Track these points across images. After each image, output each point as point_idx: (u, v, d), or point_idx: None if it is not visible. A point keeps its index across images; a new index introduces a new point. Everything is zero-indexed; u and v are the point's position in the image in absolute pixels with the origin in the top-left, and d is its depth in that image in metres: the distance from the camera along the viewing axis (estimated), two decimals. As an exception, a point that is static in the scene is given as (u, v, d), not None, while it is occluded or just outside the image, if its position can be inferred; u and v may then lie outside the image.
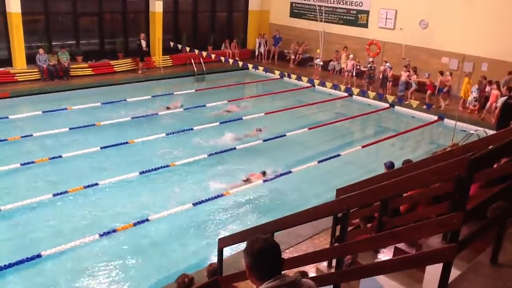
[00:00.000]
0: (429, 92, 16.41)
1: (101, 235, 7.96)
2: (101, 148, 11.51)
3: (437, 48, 17.61)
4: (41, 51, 16.66)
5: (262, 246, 2.37)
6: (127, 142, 11.95)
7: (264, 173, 10.61)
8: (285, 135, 13.28)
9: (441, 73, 16.25)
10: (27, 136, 12.09)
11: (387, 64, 17.40)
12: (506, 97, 13.60)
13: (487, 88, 15.58)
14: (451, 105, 15.87)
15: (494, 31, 15.84)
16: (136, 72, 18.87)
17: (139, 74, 18.72)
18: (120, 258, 7.55)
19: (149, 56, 19.51)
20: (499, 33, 15.71)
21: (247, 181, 10.29)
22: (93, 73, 18.04)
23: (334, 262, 4.31)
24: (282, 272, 2.40)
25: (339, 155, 12.07)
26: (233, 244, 5.81)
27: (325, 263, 5.00)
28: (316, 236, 7.57)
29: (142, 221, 8.44)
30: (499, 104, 13.70)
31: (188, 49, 19.12)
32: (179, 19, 21.40)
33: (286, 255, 6.68)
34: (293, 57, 21.63)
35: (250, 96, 17.07)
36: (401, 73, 17.04)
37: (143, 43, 18.72)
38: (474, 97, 15.42)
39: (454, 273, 3.41)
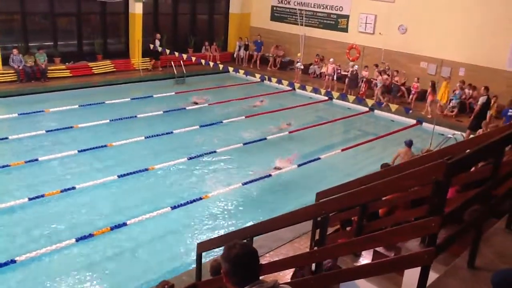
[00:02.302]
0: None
1: (77, 240, 7.81)
2: (79, 151, 11.32)
3: (415, 53, 17.84)
4: (15, 51, 16.31)
5: (239, 252, 2.33)
6: (105, 145, 11.79)
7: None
8: (265, 139, 13.27)
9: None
10: (2, 139, 11.82)
11: (356, 66, 17.86)
12: (486, 96, 13.91)
13: (466, 92, 15.91)
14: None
15: (472, 37, 16.13)
16: (114, 74, 18.81)
17: (158, 72, 19.53)
18: (99, 263, 7.41)
19: (162, 55, 19.78)
20: (476, 39, 16.00)
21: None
22: (71, 75, 17.78)
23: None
24: (260, 278, 2.36)
25: (319, 158, 12.11)
26: (212, 249, 5.74)
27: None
28: (297, 239, 7.54)
29: (120, 226, 8.31)
30: (479, 102, 13.99)
31: (168, 51, 18.96)
32: (159, 21, 21.22)
33: (266, 259, 6.64)
34: (272, 60, 21.70)
35: (230, 99, 17.00)
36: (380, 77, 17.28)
37: (157, 43, 19.30)
38: (452, 103, 15.68)
39: (432, 276, 3.43)
